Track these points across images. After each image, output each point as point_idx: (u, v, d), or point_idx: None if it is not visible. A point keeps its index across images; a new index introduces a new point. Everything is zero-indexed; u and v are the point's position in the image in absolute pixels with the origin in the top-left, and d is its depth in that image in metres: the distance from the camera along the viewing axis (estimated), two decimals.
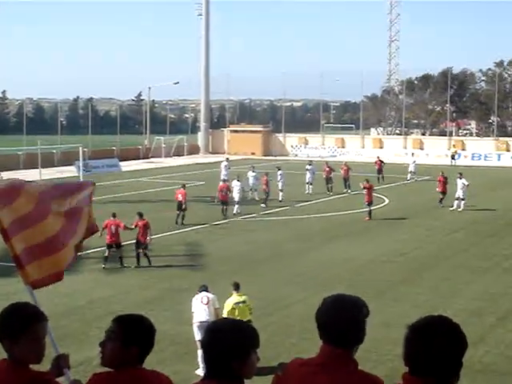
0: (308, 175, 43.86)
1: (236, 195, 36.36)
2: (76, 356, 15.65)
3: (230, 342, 3.39)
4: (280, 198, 40.36)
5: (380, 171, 50.64)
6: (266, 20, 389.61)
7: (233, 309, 15.10)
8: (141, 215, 25.64)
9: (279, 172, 41.96)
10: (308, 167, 44.11)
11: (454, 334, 3.30)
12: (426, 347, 3.24)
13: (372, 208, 35.47)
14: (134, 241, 25.19)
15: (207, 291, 15.58)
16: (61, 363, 4.22)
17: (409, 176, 52.75)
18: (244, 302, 15.44)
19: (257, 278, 22.81)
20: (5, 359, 3.98)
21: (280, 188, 41.06)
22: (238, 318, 14.34)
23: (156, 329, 4.03)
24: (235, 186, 36.79)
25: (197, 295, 15.59)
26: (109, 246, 24.54)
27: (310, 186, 43.75)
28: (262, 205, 38.00)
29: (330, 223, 33.49)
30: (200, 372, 13.76)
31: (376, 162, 51.83)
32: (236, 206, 36.19)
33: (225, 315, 14.84)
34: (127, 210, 35.21)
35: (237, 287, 15.74)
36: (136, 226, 25.20)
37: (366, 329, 3.64)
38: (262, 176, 40.43)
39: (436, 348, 3.23)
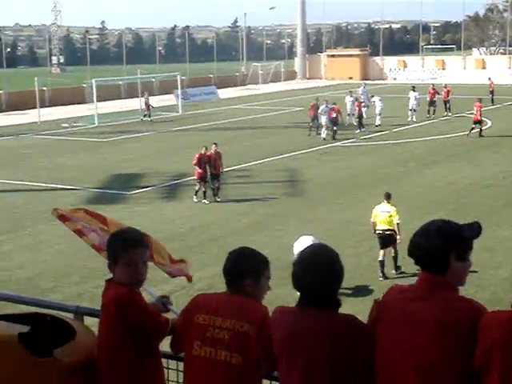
0: (412, 101, 42.44)
1: (323, 120, 36.02)
2: (178, 280, 16.08)
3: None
4: (377, 123, 39.72)
5: (492, 92, 49.15)
6: None
7: (376, 216, 16.51)
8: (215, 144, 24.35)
9: (377, 98, 41.11)
10: (411, 93, 42.62)
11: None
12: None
13: (477, 130, 34.57)
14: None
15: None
16: (165, 302, 4.37)
17: None
18: (388, 211, 16.41)
19: (356, 204, 22.69)
20: (110, 279, 4.22)
21: (377, 112, 40.35)
22: (380, 225, 16.29)
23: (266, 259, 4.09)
24: (322, 110, 36.34)
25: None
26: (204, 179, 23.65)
27: (414, 113, 42.35)
28: (357, 130, 37.46)
29: (430, 147, 32.81)
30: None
31: (490, 84, 50.43)
32: (323, 129, 35.93)
33: (372, 219, 16.57)
34: (226, 136, 35.49)
35: (388, 197, 16.77)
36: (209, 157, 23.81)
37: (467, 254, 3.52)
38: (355, 101, 39.75)
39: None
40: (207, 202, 23.27)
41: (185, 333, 4.01)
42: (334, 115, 36.12)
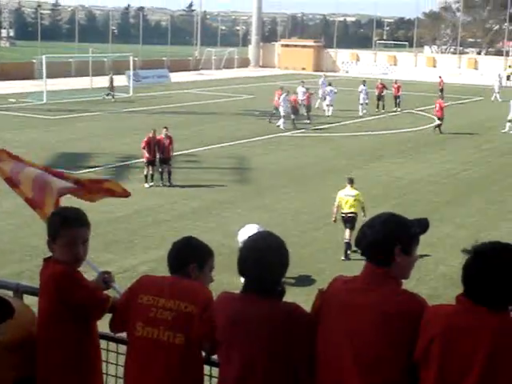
0: (362, 96, 42.74)
1: (282, 109, 36.11)
2: (121, 262, 16.03)
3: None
4: (328, 114, 40.03)
5: (442, 90, 49.85)
6: None
7: (341, 199, 17.32)
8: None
9: (330, 88, 41.38)
10: (361, 88, 42.97)
11: None
12: (486, 272, 3.21)
13: (426, 127, 34.97)
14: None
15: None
16: (106, 278, 4.32)
17: (493, 96, 52.01)
18: (353, 196, 17.28)
19: (303, 193, 22.83)
20: (49, 257, 4.18)
21: (328, 103, 40.70)
22: (346, 208, 17.13)
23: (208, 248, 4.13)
24: (283, 100, 36.47)
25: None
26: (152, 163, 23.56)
27: (365, 107, 42.68)
28: (306, 120, 37.62)
29: (378, 142, 33.15)
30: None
31: (439, 82, 51.15)
32: (281, 120, 36.09)
33: (336, 203, 17.36)
34: (176, 121, 35.31)
35: (351, 181, 17.60)
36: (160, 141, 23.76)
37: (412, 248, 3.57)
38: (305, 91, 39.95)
39: (497, 274, 3.20)
40: (148, 186, 23.11)
41: (127, 313, 3.97)
42: (294, 104, 36.90)
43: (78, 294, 4.00)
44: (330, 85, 42.22)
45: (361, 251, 3.59)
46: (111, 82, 45.29)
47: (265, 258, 3.57)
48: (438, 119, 36.19)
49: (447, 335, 3.23)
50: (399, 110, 44.09)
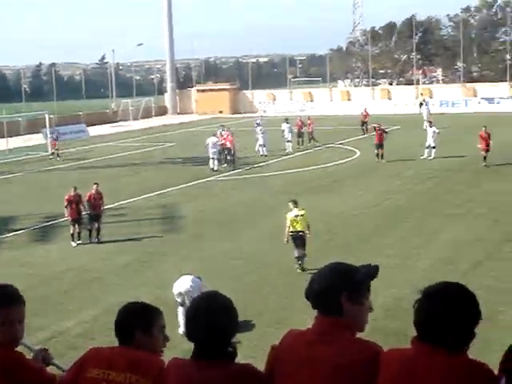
0: (286, 133, 43.33)
1: (211, 151, 36.87)
2: (55, 326, 15.66)
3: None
4: (263, 153, 41.03)
5: (366, 123, 50.59)
6: None
7: (293, 220, 18.71)
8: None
9: (259, 128, 42.20)
10: (284, 126, 43.61)
11: (469, 302, 3.26)
12: (438, 313, 3.20)
13: (347, 160, 35.54)
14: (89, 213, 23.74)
15: (200, 279, 15.30)
16: (45, 356, 4.17)
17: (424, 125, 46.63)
18: (302, 215, 18.86)
19: (233, 237, 22.82)
20: None
21: (261, 143, 41.34)
22: (297, 227, 18.67)
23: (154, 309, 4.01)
24: (210, 142, 37.21)
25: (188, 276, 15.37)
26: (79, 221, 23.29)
27: (290, 144, 43.30)
28: (224, 164, 37.96)
29: (299, 178, 33.46)
30: (181, 330, 13.95)
31: (362, 114, 51.98)
32: (215, 161, 36.90)
33: (288, 225, 18.72)
34: (99, 174, 34.96)
35: (295, 203, 19.13)
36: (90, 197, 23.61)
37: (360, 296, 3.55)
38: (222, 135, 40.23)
39: (449, 315, 3.19)
40: (76, 245, 22.71)
41: None
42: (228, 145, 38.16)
43: (25, 377, 3.85)
44: (286, 120, 43.20)
45: (311, 303, 3.55)
46: (55, 140, 45.18)
47: (213, 321, 3.49)
48: (378, 146, 37.39)
49: (406, 382, 3.22)
50: (318, 143, 44.75)
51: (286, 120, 44.29)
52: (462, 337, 3.23)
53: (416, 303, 3.29)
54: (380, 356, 3.34)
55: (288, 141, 43.15)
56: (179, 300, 14.82)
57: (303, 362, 3.42)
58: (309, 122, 45.67)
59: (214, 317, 3.51)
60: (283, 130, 43.45)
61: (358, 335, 3.53)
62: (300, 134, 44.90)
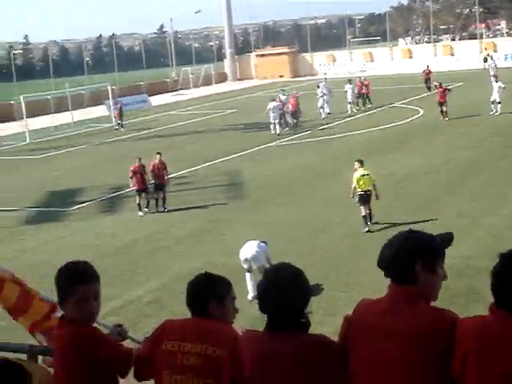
0: (349, 94, 42.90)
1: (272, 116, 36.85)
2: (126, 295, 15.86)
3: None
4: (324, 115, 40.85)
5: (428, 80, 49.54)
6: None
7: (358, 180, 19.05)
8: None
9: (319, 90, 42.03)
10: (347, 86, 43.11)
11: None
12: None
13: (411, 119, 34.97)
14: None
15: (266, 244, 15.36)
16: (120, 331, 4.19)
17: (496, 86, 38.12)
18: (368, 174, 19.27)
19: (297, 202, 22.72)
20: (61, 317, 4.03)
21: (320, 105, 41.13)
22: (363, 187, 18.99)
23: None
24: (272, 106, 37.15)
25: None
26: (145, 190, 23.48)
27: (353, 106, 43.09)
28: (286, 128, 37.85)
29: (368, 139, 33.08)
30: (250, 296, 14.03)
31: (424, 71, 50.82)
32: (276, 126, 36.83)
33: (354, 184, 19.08)
34: (162, 143, 35.17)
35: (361, 163, 19.45)
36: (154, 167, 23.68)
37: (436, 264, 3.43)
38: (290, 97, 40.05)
39: None
40: (143, 214, 22.89)
41: (152, 361, 3.83)
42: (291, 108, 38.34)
43: (104, 352, 3.86)
44: (318, 86, 42.58)
45: (384, 271, 3.44)
46: (119, 111, 45.47)
47: (284, 293, 3.44)
48: (441, 104, 36.62)
49: (482, 348, 3.11)
50: (370, 106, 44.10)
51: (350, 81, 43.88)
52: None
53: (493, 268, 3.17)
54: (457, 324, 3.24)
55: (349, 102, 42.79)
56: (246, 266, 14.86)
57: (378, 332, 3.34)
58: (366, 82, 44.98)
59: (283, 289, 3.45)
60: (346, 91, 43.03)
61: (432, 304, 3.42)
62: (361, 95, 44.36)
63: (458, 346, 3.19)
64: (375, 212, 19.21)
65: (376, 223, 19.02)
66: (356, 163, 19.59)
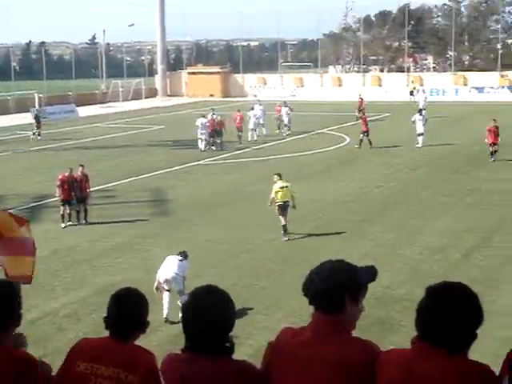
0: (284, 116, 43.74)
1: (200, 132, 37.84)
2: (42, 307, 15.58)
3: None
4: (254, 137, 41.35)
5: (360, 109, 50.12)
6: None
7: (277, 192, 20.38)
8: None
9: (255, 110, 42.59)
10: (283, 109, 43.87)
11: (473, 303, 3.21)
12: (441, 313, 3.15)
13: (336, 146, 35.46)
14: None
15: (186, 259, 15.29)
16: (18, 342, 4.09)
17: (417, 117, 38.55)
18: (287, 186, 20.63)
19: (220, 221, 22.77)
20: None
21: (251, 127, 41.59)
22: (284, 198, 20.32)
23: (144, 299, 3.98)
24: (199, 123, 38.11)
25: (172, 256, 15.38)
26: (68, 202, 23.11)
27: (288, 128, 43.72)
28: (213, 147, 38.23)
29: (293, 164, 33.36)
30: (165, 314, 14.07)
31: (358, 100, 51.43)
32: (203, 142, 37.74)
33: (272, 195, 20.45)
34: (87, 156, 34.77)
35: (279, 176, 20.85)
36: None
37: (360, 296, 3.52)
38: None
39: (452, 316, 3.14)
40: (64, 226, 22.60)
41: (65, 382, 3.77)
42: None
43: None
44: (252, 108, 42.85)
45: (309, 299, 3.49)
46: (37, 119, 44.57)
47: (211, 316, 3.41)
48: (364, 133, 37.21)
49: (406, 381, 3.16)
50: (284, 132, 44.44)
51: (285, 103, 44.91)
52: (464, 338, 3.18)
53: (420, 303, 3.25)
54: (379, 357, 3.30)
55: (285, 125, 43.66)
56: (166, 287, 14.76)
57: (302, 361, 3.37)
58: (278, 108, 45.29)
59: (210, 312, 3.43)
60: (280, 115, 43.98)
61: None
62: (279, 120, 44.82)
63: (381, 378, 3.23)
64: (297, 235, 19.37)
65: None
66: (275, 176, 21.01)
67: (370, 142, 37.00)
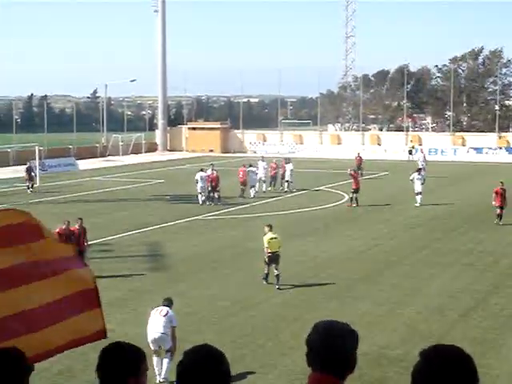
0: (287, 173, 43.94)
1: (199, 186, 38.48)
2: (36, 364, 15.37)
3: None
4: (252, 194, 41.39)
5: (359, 167, 50.43)
6: (222, 18, 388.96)
7: (269, 241, 21.36)
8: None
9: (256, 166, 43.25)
10: (288, 166, 44.09)
11: (469, 367, 3.19)
12: (434, 378, 3.13)
13: (336, 204, 35.53)
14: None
15: (170, 306, 15.02)
16: None
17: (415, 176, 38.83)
18: (276, 237, 21.63)
19: (219, 278, 22.68)
20: None
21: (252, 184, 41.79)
22: (271, 248, 21.26)
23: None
24: (199, 177, 38.76)
25: (157, 307, 15.16)
26: None
27: (290, 184, 43.97)
28: (211, 203, 38.43)
29: (291, 221, 33.39)
30: (158, 379, 13.93)
31: (356, 158, 51.75)
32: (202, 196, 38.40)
33: (266, 246, 21.37)
34: (86, 209, 34.80)
35: (270, 227, 21.84)
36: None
37: (356, 357, 3.55)
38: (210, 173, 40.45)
39: (446, 380, 3.12)
40: None
41: None
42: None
43: None
44: (250, 165, 42.84)
45: (324, 364, 3.46)
46: (29, 172, 44.55)
47: (205, 378, 3.35)
48: (354, 191, 37.28)
49: None
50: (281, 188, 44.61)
51: (289, 160, 45.49)
52: None
53: (414, 367, 3.23)
54: None
55: (286, 181, 43.93)
56: (153, 347, 14.44)
57: None
58: (274, 165, 45.36)
59: (203, 374, 3.35)
60: (285, 170, 44.32)
61: None
62: (273, 177, 45.00)
63: None
64: (297, 293, 19.28)
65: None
66: (266, 228, 21.92)
67: (357, 201, 37.05)
